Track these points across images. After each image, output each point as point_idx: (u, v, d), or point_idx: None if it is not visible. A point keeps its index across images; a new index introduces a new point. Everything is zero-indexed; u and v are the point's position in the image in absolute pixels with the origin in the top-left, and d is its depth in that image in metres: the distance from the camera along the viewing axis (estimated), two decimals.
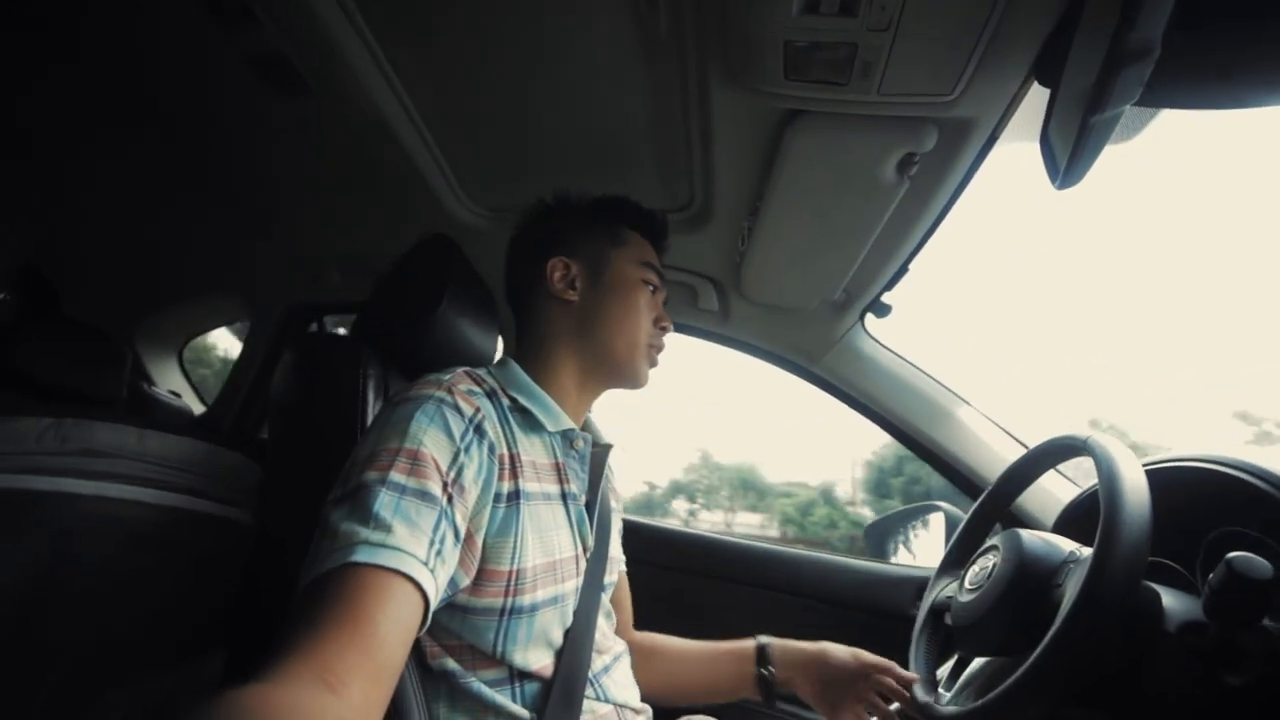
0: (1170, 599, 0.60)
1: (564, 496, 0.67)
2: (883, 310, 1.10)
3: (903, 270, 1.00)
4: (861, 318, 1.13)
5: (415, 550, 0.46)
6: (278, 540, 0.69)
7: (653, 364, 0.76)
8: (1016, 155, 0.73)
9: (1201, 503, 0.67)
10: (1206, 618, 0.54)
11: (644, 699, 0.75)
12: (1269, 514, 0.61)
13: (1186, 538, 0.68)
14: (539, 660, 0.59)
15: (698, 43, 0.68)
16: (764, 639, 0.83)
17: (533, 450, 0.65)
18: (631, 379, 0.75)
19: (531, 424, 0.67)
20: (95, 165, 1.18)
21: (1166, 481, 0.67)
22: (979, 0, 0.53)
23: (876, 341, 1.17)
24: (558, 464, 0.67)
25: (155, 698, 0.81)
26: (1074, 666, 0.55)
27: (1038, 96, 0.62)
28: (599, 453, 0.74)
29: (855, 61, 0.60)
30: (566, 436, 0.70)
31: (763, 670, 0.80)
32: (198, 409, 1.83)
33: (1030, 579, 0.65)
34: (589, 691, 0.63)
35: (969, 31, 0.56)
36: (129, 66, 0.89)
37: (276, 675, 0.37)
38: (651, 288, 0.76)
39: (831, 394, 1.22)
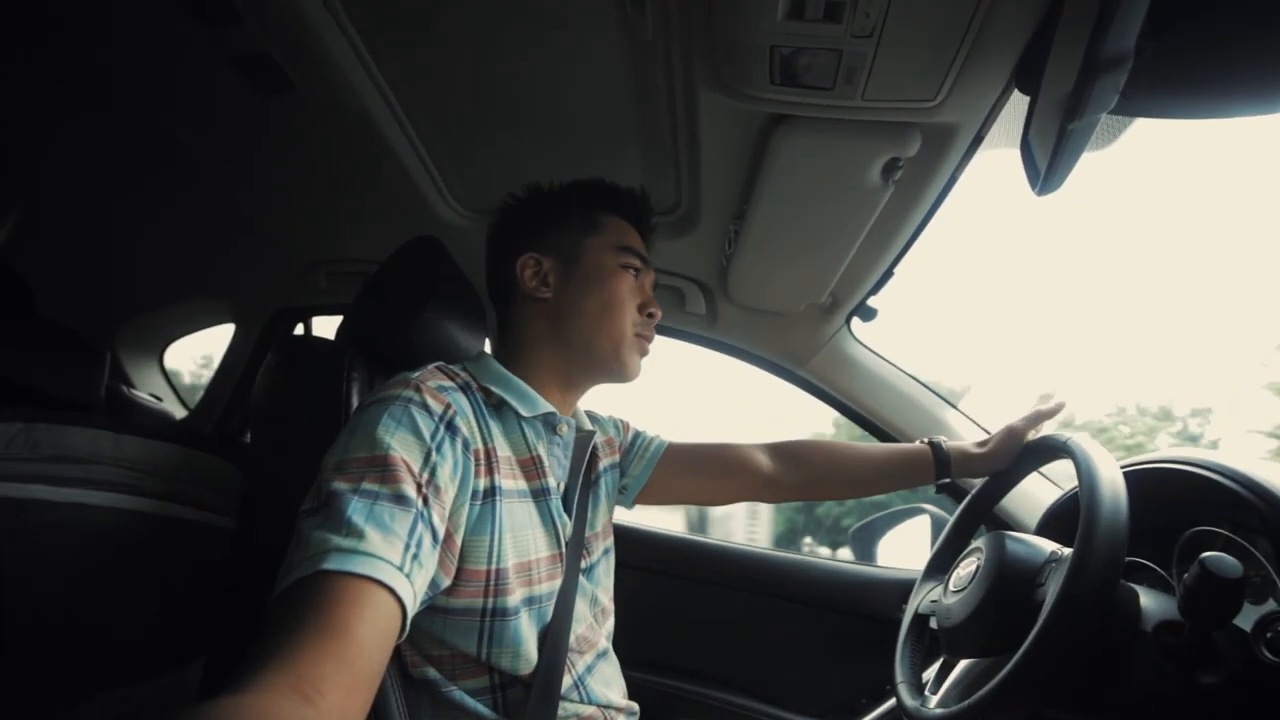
0: (1147, 598, 0.61)
1: (539, 492, 0.65)
2: (869, 314, 1.11)
3: (888, 274, 1.01)
4: (848, 321, 1.14)
5: (389, 556, 0.45)
6: (259, 547, 0.68)
7: (643, 353, 0.73)
8: (998, 161, 0.74)
9: (1177, 503, 0.68)
10: (1181, 616, 0.55)
11: (787, 492, 0.88)
12: (1240, 514, 0.62)
13: (1163, 538, 0.69)
14: (523, 663, 0.58)
15: (684, 47, 0.68)
16: (938, 442, 0.87)
17: (508, 445, 0.64)
18: (619, 373, 0.71)
19: (505, 416, 0.66)
20: (74, 163, 1.15)
21: (1144, 483, 0.69)
22: (960, 8, 0.54)
23: (863, 345, 1.18)
24: (533, 458, 0.65)
25: (132, 708, 0.79)
26: (1056, 665, 0.55)
27: (1018, 104, 0.63)
28: (583, 438, 0.73)
29: (839, 67, 0.61)
30: (548, 421, 0.68)
31: (943, 480, 0.86)
32: (180, 413, 1.80)
33: (1013, 580, 0.66)
34: (573, 694, 0.62)
35: (950, 38, 0.57)
36: (109, 64, 0.88)
37: (250, 685, 0.36)
38: (634, 271, 0.72)
39: (818, 397, 1.23)
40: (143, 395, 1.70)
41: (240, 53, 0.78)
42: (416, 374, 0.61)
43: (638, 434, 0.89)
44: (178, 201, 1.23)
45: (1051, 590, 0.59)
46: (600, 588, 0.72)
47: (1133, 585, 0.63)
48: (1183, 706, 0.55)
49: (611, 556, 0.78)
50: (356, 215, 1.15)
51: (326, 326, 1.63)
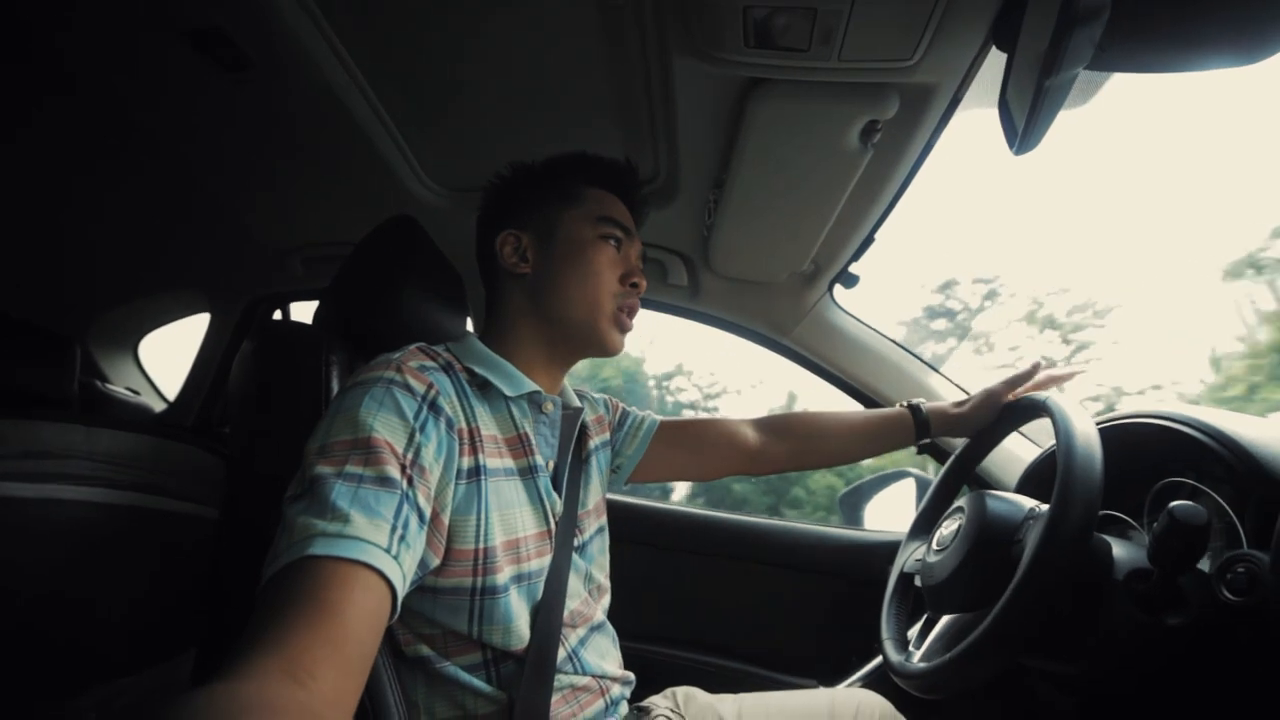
0: (1120, 549, 0.63)
1: (527, 470, 0.65)
2: (851, 280, 1.11)
3: (869, 240, 1.01)
4: (830, 289, 1.14)
5: (375, 539, 0.45)
6: (245, 535, 0.67)
7: (623, 328, 0.72)
8: (977, 121, 0.73)
9: (1150, 457, 0.70)
10: (1151, 564, 0.57)
11: (774, 464, 0.91)
12: (1205, 462, 0.64)
13: (1136, 490, 0.71)
14: (515, 639, 0.59)
15: (656, 12, 0.66)
16: (918, 404, 0.92)
17: (493, 424, 0.64)
18: (598, 346, 0.71)
19: (491, 396, 0.65)
20: (32, 154, 1.11)
21: (1119, 438, 0.70)
22: None
23: (846, 312, 1.18)
24: (520, 436, 0.65)
25: (125, 700, 0.79)
26: (1033, 617, 0.57)
27: (996, 63, 0.62)
28: (570, 415, 0.73)
29: (814, 27, 0.59)
30: (533, 400, 0.68)
31: (924, 440, 0.91)
32: (159, 406, 1.78)
33: (993, 537, 0.68)
34: (567, 666, 0.63)
35: None
36: (62, 48, 0.84)
37: (242, 671, 0.36)
38: (615, 242, 0.71)
39: (803, 365, 1.23)
40: (118, 389, 1.67)
41: (193, 28, 0.74)
42: (397, 355, 0.60)
43: (627, 412, 0.89)
44: (145, 190, 1.18)
45: (1029, 545, 0.61)
46: (595, 565, 0.73)
47: (1106, 537, 0.65)
48: (1152, 648, 0.58)
49: (606, 534, 0.78)
50: (329, 198, 1.12)
51: (305, 313, 1.61)
